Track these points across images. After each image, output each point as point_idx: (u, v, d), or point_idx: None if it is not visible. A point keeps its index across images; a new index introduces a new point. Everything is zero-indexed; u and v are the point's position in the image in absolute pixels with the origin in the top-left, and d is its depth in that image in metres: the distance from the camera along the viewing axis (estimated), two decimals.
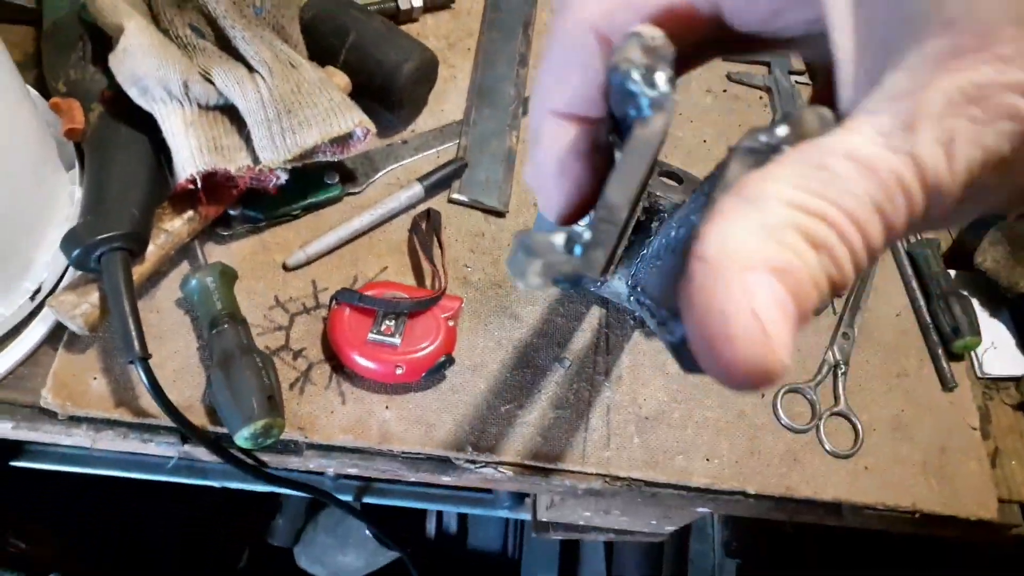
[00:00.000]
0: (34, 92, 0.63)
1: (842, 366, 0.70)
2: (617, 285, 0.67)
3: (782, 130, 0.21)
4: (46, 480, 0.72)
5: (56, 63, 0.60)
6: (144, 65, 0.54)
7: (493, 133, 0.74)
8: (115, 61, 0.55)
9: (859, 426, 0.67)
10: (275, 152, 0.57)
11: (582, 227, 0.23)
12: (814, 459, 0.65)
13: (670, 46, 0.23)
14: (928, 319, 0.73)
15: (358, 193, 0.68)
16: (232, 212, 0.62)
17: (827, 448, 0.66)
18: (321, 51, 0.68)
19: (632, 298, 0.42)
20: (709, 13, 0.24)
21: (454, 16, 0.82)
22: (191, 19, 0.60)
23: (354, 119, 0.60)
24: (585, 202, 0.26)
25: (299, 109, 0.58)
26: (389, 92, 0.68)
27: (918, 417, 0.69)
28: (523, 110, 0.77)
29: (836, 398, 0.68)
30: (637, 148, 0.23)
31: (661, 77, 0.23)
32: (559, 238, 0.22)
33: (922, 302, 0.74)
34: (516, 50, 0.80)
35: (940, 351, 0.72)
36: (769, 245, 0.18)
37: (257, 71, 0.58)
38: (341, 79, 0.67)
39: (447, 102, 0.76)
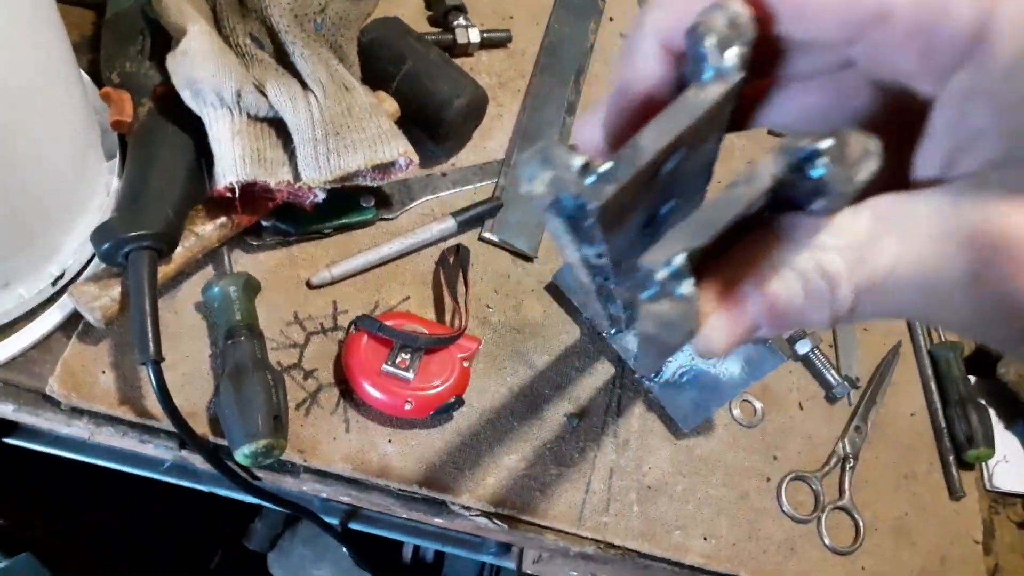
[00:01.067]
0: (86, 77, 0.63)
1: (851, 460, 0.68)
2: (629, 341, 0.66)
3: (825, 143, 0.21)
4: (31, 460, 0.72)
5: (114, 54, 0.60)
6: (201, 70, 0.54)
7: None
8: (173, 62, 0.55)
9: (861, 523, 0.66)
10: (318, 172, 0.57)
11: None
12: (812, 552, 0.64)
13: (753, 29, 0.23)
14: (943, 423, 0.72)
15: (391, 219, 0.68)
16: (264, 223, 0.62)
17: (826, 542, 0.64)
18: (375, 75, 0.68)
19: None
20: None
21: (509, 55, 0.82)
22: (252, 29, 0.60)
23: (399, 148, 0.60)
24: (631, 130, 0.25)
25: (347, 132, 0.58)
26: (437, 124, 0.68)
27: (922, 522, 0.68)
28: None
29: (841, 491, 0.67)
30: (682, 106, 0.23)
31: (733, 52, 0.23)
32: (577, 160, 0.22)
33: (939, 405, 0.73)
34: (565, 97, 0.80)
35: (951, 458, 0.71)
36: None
37: (311, 89, 0.58)
38: (391, 105, 0.67)
39: (491, 139, 0.76)
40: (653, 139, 0.22)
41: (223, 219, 0.59)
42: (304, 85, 0.59)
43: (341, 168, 0.58)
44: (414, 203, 0.69)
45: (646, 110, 0.25)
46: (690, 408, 0.65)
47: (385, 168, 0.61)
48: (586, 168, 0.22)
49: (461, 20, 0.79)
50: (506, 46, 0.82)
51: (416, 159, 0.61)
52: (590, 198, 0.22)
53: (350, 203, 0.66)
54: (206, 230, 0.58)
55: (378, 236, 0.67)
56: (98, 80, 0.63)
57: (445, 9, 0.79)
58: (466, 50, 0.79)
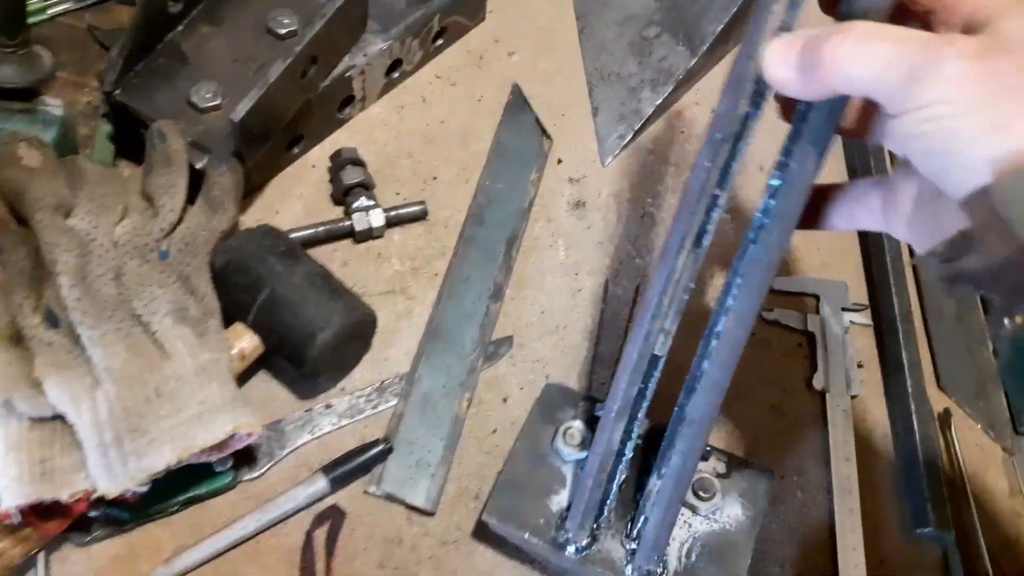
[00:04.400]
0: None
1: None
2: (611, 547, 0.51)
3: None
4: None
5: None
6: None
7: (441, 394, 0.61)
8: None
9: None
10: (112, 480, 0.47)
11: None
12: None
13: None
14: None
15: (256, 478, 0.57)
16: (93, 513, 0.53)
17: None
18: (232, 304, 0.58)
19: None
20: None
21: (428, 229, 0.70)
22: (50, 300, 0.51)
23: (230, 423, 0.50)
24: None
25: (151, 424, 0.48)
26: (301, 362, 0.56)
27: None
28: (482, 362, 0.64)
29: None
30: None
31: None
32: None
33: None
34: (491, 277, 0.67)
35: None
36: None
37: (100, 381, 0.48)
38: (249, 342, 0.57)
39: (395, 345, 0.64)
40: None
41: (26, 530, 0.50)
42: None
43: (143, 470, 0.48)
44: (287, 451, 0.58)
45: None
46: None
47: (220, 444, 0.50)
48: None
49: (363, 200, 0.67)
50: (425, 219, 0.70)
51: (257, 429, 0.51)
52: None
53: (201, 468, 0.55)
54: (4, 547, 0.49)
55: (239, 502, 0.56)
56: None
57: (344, 189, 0.68)
58: (370, 235, 0.68)
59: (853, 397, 0.65)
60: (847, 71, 0.33)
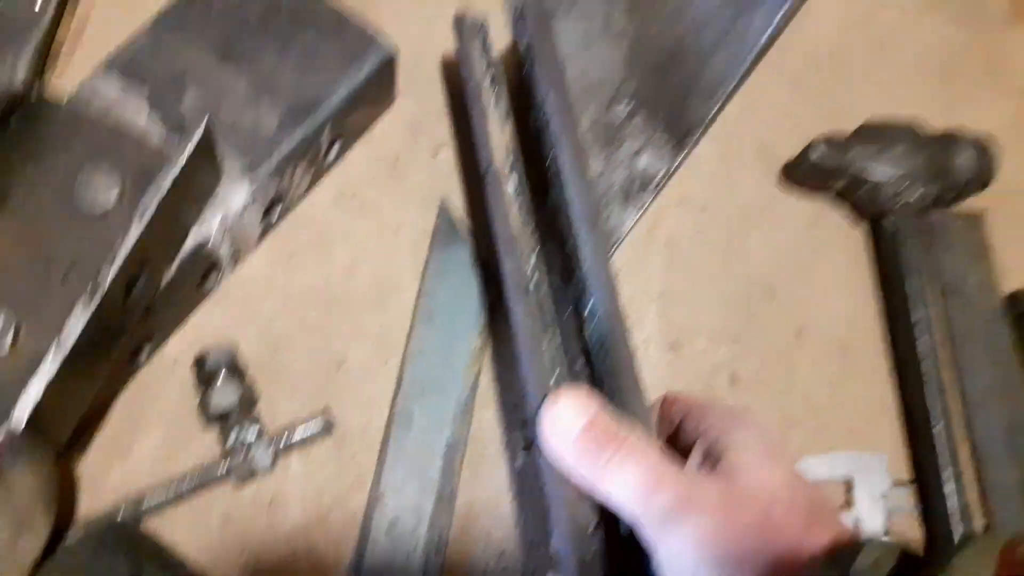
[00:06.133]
0: None
1: None
2: None
3: None
4: None
5: None
6: None
7: None
8: None
9: None
10: None
11: None
12: None
13: None
14: None
15: None
16: None
17: None
18: None
19: None
20: None
21: (337, 447, 0.52)
22: None
23: None
24: None
25: None
26: None
27: None
28: None
29: None
30: None
31: None
32: None
33: None
34: (425, 517, 0.50)
35: None
36: None
37: None
38: None
39: None
40: None
41: None
42: None
43: None
44: None
45: None
46: None
47: None
48: None
49: (241, 430, 0.49)
50: (331, 432, 0.52)
51: None
52: None
53: None
54: None
55: None
56: None
57: (214, 416, 0.49)
58: (255, 475, 0.50)
59: None
60: (613, 498, 0.33)
